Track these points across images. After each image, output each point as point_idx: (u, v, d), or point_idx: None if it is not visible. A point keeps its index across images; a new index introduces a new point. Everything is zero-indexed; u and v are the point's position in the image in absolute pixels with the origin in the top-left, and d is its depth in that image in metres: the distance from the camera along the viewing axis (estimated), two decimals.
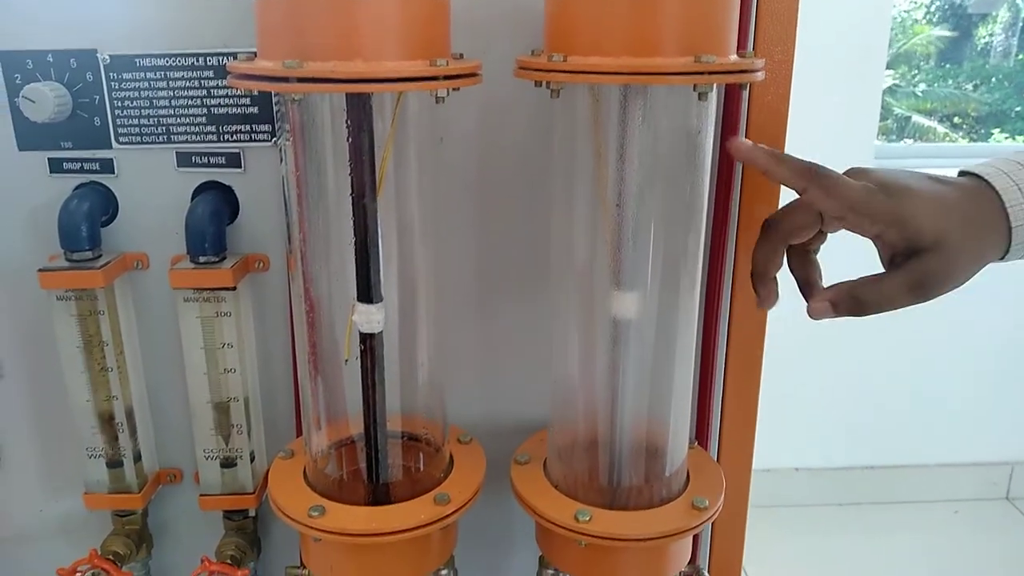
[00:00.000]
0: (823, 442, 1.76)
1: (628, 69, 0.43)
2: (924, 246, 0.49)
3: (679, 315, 0.54)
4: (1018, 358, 1.63)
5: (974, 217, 0.50)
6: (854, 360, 1.61)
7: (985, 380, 1.81)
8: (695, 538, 0.61)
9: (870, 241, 0.52)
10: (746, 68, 0.46)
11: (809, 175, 0.51)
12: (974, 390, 1.74)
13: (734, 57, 0.47)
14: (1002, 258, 0.51)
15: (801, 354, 1.49)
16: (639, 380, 0.55)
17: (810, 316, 0.53)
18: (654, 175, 0.50)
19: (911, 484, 1.80)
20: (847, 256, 0.62)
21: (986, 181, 0.50)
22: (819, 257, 0.58)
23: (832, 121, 1.50)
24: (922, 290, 0.50)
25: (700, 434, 0.66)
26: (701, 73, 0.43)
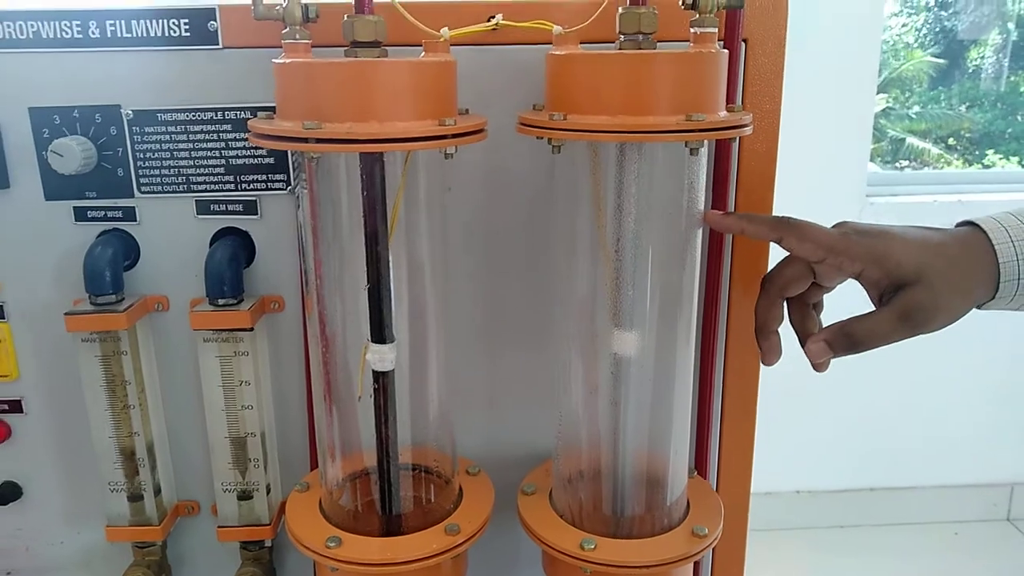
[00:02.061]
0: (824, 465, 1.78)
1: (624, 128, 0.47)
2: (906, 280, 0.51)
3: (677, 352, 0.57)
4: (1018, 380, 1.66)
5: (960, 256, 0.52)
6: (856, 383, 1.62)
7: (985, 402, 1.82)
8: (696, 564, 0.63)
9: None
10: (734, 124, 0.49)
11: (781, 225, 0.55)
12: (974, 412, 1.76)
13: (723, 113, 0.50)
14: (992, 297, 0.53)
15: (803, 378, 1.51)
16: (639, 414, 0.57)
17: (810, 358, 0.55)
18: (650, 222, 0.53)
19: (912, 506, 1.82)
20: (847, 299, 0.64)
21: (976, 225, 0.53)
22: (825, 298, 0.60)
23: (824, 149, 1.54)
24: (910, 322, 0.52)
25: (699, 464, 0.69)
26: (692, 131, 0.47)
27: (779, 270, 0.58)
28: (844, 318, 0.54)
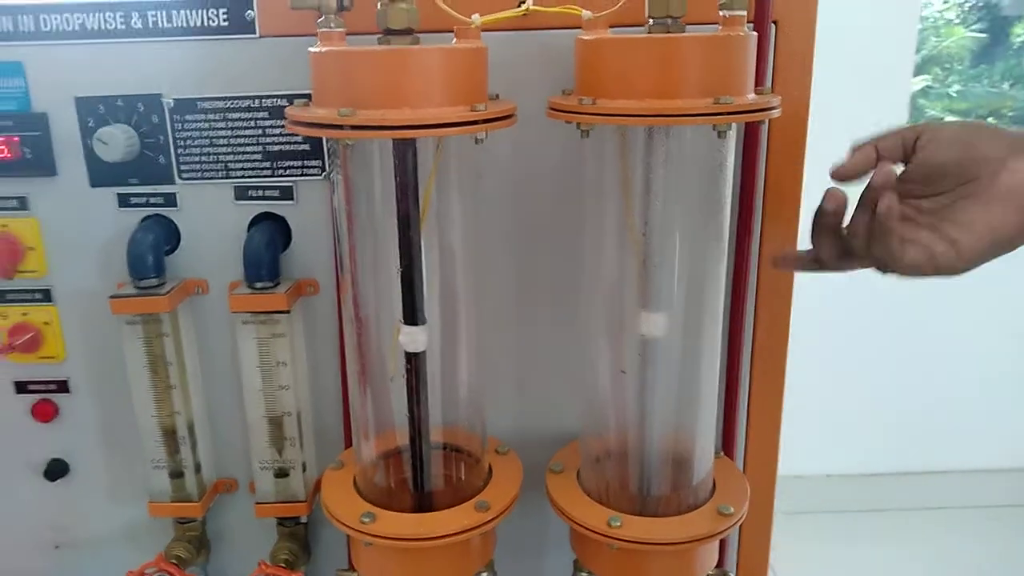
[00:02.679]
0: (854, 449, 1.77)
1: (652, 111, 0.47)
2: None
3: (704, 333, 0.57)
4: None
5: None
6: (886, 367, 1.61)
7: (1018, 385, 1.79)
8: (723, 543, 0.64)
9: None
10: (762, 107, 0.49)
11: (910, 128, 0.54)
12: (1006, 395, 1.73)
13: (752, 96, 0.50)
14: None
15: (833, 362, 1.51)
16: (666, 394, 0.58)
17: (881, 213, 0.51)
18: (678, 205, 0.53)
19: (941, 490, 1.80)
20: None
21: None
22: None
23: (859, 131, 1.51)
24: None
25: (727, 445, 0.70)
26: (720, 114, 0.47)
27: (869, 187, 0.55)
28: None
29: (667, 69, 0.47)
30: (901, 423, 1.73)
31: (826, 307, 1.41)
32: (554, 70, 0.60)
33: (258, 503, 0.70)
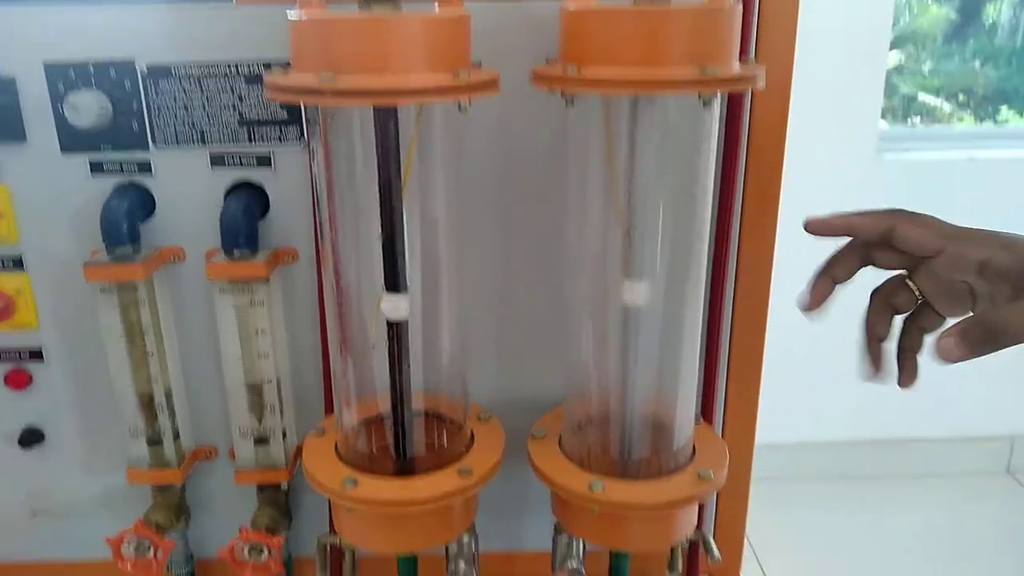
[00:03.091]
0: (829, 417, 1.80)
1: (638, 80, 0.47)
2: None
3: (686, 302, 0.58)
4: None
5: None
6: (855, 341, 1.64)
7: (988, 357, 1.83)
8: (701, 507, 0.65)
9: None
10: (747, 76, 0.49)
11: (894, 214, 0.50)
12: (977, 365, 1.78)
13: (736, 66, 0.50)
14: None
15: (808, 333, 1.53)
16: (648, 362, 0.59)
17: (940, 356, 0.47)
18: (662, 174, 0.54)
19: (914, 458, 1.84)
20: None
21: None
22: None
23: (835, 104, 1.52)
24: None
25: (706, 411, 0.71)
26: (705, 83, 0.47)
27: (886, 282, 0.54)
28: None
29: (652, 39, 0.47)
30: (873, 392, 1.77)
31: (806, 276, 1.43)
32: (538, 40, 0.59)
33: (238, 470, 0.70)
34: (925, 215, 0.51)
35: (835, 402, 1.78)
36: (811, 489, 1.78)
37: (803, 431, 1.82)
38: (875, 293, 0.55)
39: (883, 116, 1.71)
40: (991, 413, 1.81)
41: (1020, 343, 0.45)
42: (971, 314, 0.47)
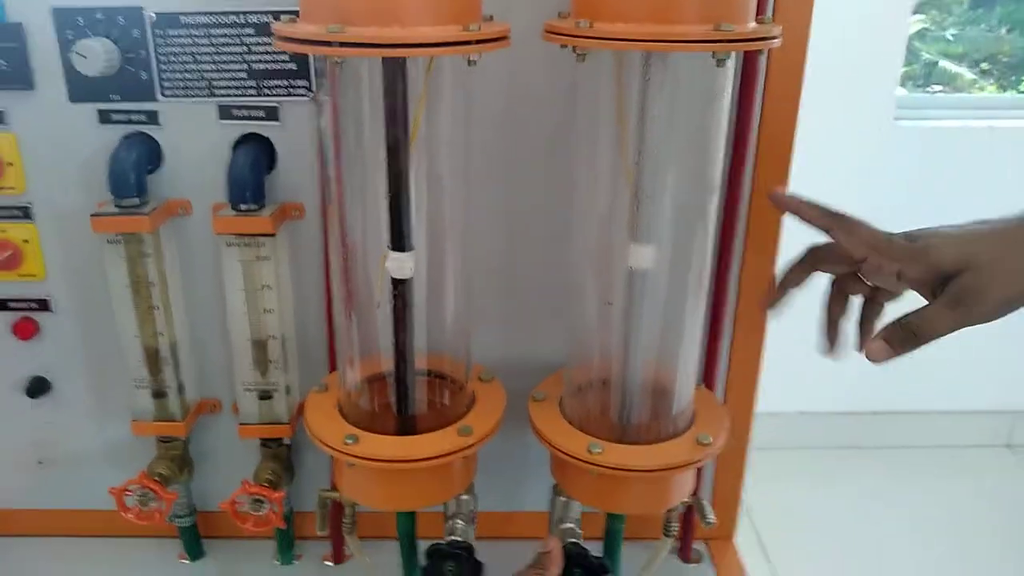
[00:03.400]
0: (828, 388, 1.80)
1: (651, 36, 0.46)
2: (950, 270, 0.50)
3: (692, 267, 0.58)
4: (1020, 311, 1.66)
5: (1019, 236, 0.50)
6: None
7: (989, 330, 1.83)
8: (698, 471, 0.66)
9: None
10: (763, 36, 0.48)
11: (835, 217, 0.55)
12: (978, 340, 1.77)
13: (752, 24, 0.49)
14: None
15: (810, 304, 1.53)
16: (651, 326, 0.58)
17: (870, 358, 0.54)
18: (672, 136, 0.53)
19: (913, 430, 1.85)
20: None
21: None
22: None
23: (854, 68, 1.49)
24: (962, 308, 0.50)
25: (707, 377, 0.71)
26: (720, 41, 0.46)
27: (825, 246, 0.58)
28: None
29: None
30: (871, 365, 1.77)
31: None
32: None
33: (241, 424, 0.71)
34: (862, 225, 0.55)
35: (836, 373, 1.78)
36: (810, 458, 1.79)
37: (803, 401, 1.82)
38: (833, 281, 0.60)
39: (903, 83, 1.67)
40: (992, 388, 1.80)
41: (935, 339, 0.52)
42: (892, 320, 0.53)
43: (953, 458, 1.82)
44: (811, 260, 0.59)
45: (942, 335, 0.51)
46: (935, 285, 0.51)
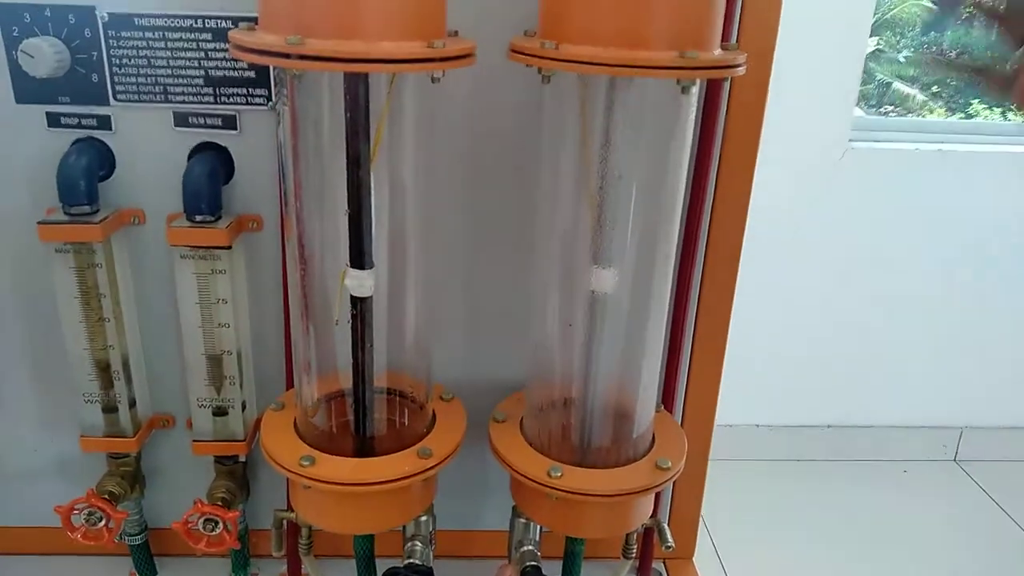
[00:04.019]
0: (784, 402, 1.83)
1: (616, 61, 0.46)
2: None
3: (653, 290, 0.57)
4: (967, 328, 1.70)
5: None
6: (815, 328, 1.66)
7: (937, 347, 1.88)
8: (657, 494, 0.65)
9: None
10: (728, 64, 0.48)
11: None
12: (928, 357, 1.81)
13: (718, 52, 0.49)
14: None
15: (766, 321, 1.55)
16: (612, 349, 0.58)
17: None
18: (635, 160, 0.52)
19: (865, 443, 1.88)
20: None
21: None
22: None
23: (811, 91, 1.52)
24: None
25: (667, 399, 0.71)
26: (685, 68, 0.46)
27: None
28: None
29: (634, 19, 0.46)
30: (827, 380, 1.80)
31: (769, 271, 1.44)
32: (517, 8, 0.58)
33: (195, 441, 0.69)
34: None
35: (793, 389, 1.81)
36: (767, 469, 1.81)
37: (761, 414, 1.85)
38: None
39: (856, 103, 1.71)
40: (941, 404, 1.85)
41: None
42: None
43: (902, 471, 1.86)
44: None
45: None
46: None
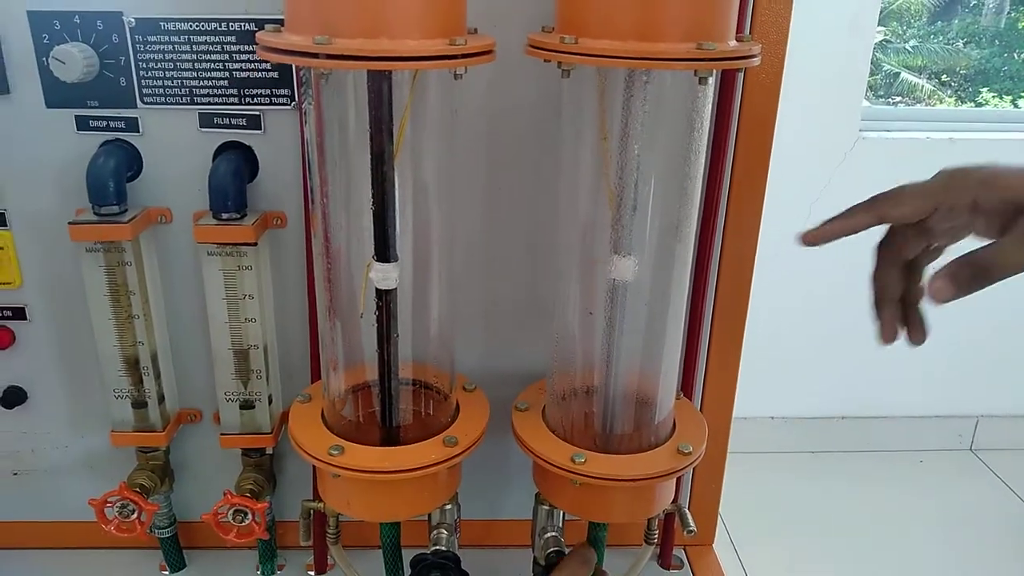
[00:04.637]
0: (800, 394, 1.84)
1: (634, 54, 0.47)
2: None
3: (672, 279, 0.58)
4: (984, 318, 1.70)
5: None
6: (829, 320, 1.67)
7: (953, 338, 1.88)
8: (678, 479, 0.67)
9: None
10: (744, 54, 0.49)
11: (875, 203, 0.51)
12: (941, 346, 1.82)
13: (733, 43, 0.50)
14: None
15: (780, 313, 1.56)
16: (633, 337, 0.59)
17: (933, 297, 0.48)
18: (654, 151, 0.54)
19: (881, 434, 1.89)
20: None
21: None
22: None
23: (821, 82, 1.53)
24: None
25: (686, 386, 0.72)
26: (702, 60, 0.47)
27: (891, 233, 0.54)
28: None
29: (651, 12, 0.47)
30: (843, 371, 1.81)
31: (782, 261, 1.45)
32: (534, 5, 0.59)
33: (223, 434, 0.70)
34: (900, 187, 0.51)
35: (809, 380, 1.81)
36: (783, 461, 1.82)
37: (777, 407, 1.85)
38: (882, 245, 0.54)
39: (865, 93, 1.71)
40: (957, 394, 1.85)
41: (1006, 277, 0.47)
42: (957, 257, 0.48)
43: (919, 461, 1.86)
44: (890, 256, 0.54)
45: (1014, 272, 0.47)
46: (1008, 216, 0.47)
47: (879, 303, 0.55)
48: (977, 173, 0.49)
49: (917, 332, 0.54)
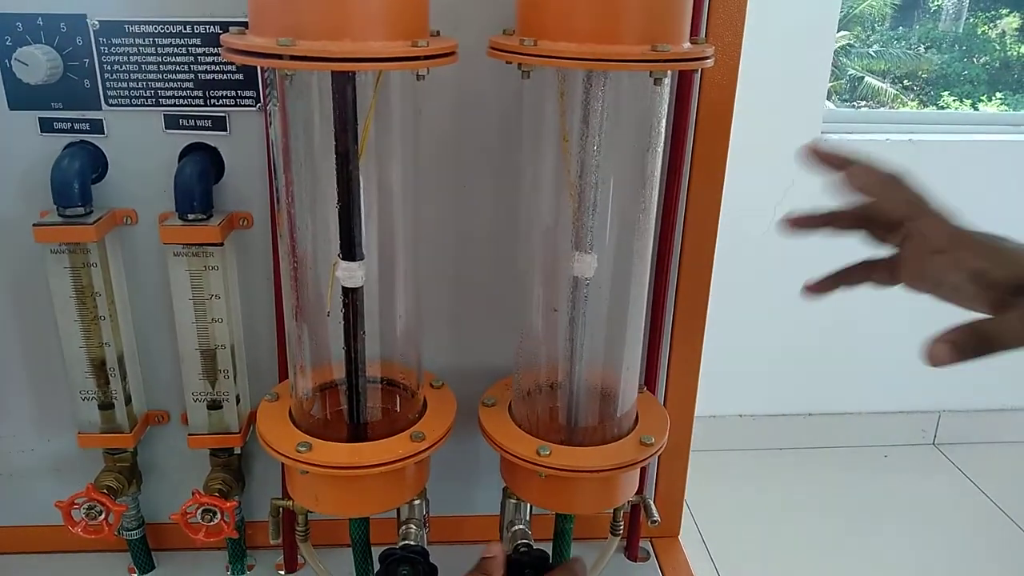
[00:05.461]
0: (765, 391, 1.87)
1: (592, 55, 0.48)
2: None
3: (632, 274, 0.60)
4: (943, 314, 1.75)
5: None
6: (794, 317, 1.70)
7: (915, 334, 1.92)
8: (643, 472, 0.68)
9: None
10: (697, 56, 0.51)
11: (915, 203, 0.49)
12: (904, 343, 1.86)
13: (687, 45, 0.52)
14: None
15: (745, 313, 1.58)
16: (595, 332, 0.61)
17: (930, 361, 0.46)
18: (613, 150, 0.55)
19: (846, 430, 1.92)
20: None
21: None
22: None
23: (782, 84, 1.56)
24: None
25: (649, 380, 0.73)
26: (657, 61, 0.49)
27: (878, 261, 0.52)
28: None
29: (608, 15, 0.48)
30: (807, 368, 1.84)
31: (748, 251, 1.48)
32: (494, 8, 0.60)
33: (191, 435, 0.71)
34: (937, 214, 0.50)
35: (774, 378, 1.85)
36: (750, 458, 1.85)
37: (744, 404, 1.88)
38: (864, 263, 0.54)
39: (829, 97, 1.75)
40: (919, 389, 1.90)
41: (1006, 351, 0.45)
42: (962, 323, 0.47)
43: (883, 456, 1.90)
44: (854, 213, 0.52)
45: (1015, 348, 0.45)
46: (1007, 295, 0.46)
47: (827, 279, 0.55)
48: (997, 244, 0.47)
49: (821, 288, 0.53)
